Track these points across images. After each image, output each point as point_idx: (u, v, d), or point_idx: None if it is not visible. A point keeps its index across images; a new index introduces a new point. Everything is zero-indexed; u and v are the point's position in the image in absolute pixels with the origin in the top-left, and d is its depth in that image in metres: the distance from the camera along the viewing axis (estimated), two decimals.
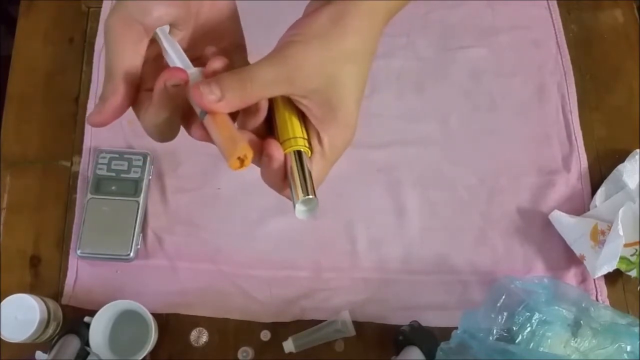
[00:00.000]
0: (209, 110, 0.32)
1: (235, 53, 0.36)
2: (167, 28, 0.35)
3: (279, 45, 0.32)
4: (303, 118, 0.34)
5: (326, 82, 0.32)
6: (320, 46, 0.31)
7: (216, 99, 0.31)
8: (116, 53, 0.33)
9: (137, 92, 0.34)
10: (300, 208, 0.33)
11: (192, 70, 0.33)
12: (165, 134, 0.35)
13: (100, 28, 0.86)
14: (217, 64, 0.33)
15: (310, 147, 0.34)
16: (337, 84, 0.32)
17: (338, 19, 0.31)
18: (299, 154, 0.33)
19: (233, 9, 0.37)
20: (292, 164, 0.33)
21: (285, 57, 0.31)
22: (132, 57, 0.34)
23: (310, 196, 0.32)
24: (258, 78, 0.31)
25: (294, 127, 0.34)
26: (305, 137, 0.34)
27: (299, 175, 0.33)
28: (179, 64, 0.34)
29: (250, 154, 0.31)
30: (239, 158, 0.31)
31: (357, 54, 0.32)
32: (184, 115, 0.35)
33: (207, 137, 0.33)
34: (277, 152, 0.33)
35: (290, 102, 0.34)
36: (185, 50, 0.35)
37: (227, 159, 0.31)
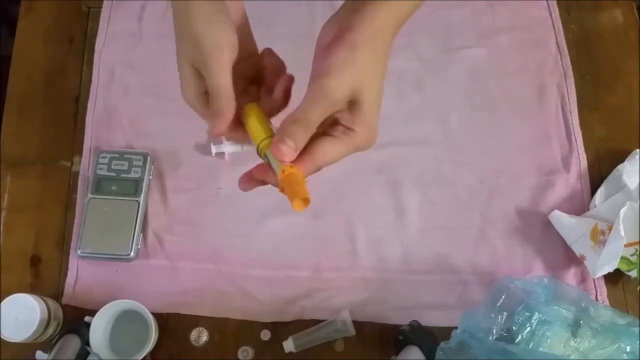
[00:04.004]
0: (289, 160, 0.39)
1: (250, 61, 0.44)
2: None
3: (315, 79, 0.39)
4: (334, 122, 0.41)
5: (355, 95, 0.39)
6: (348, 72, 0.38)
7: (294, 149, 0.38)
8: (222, 72, 0.40)
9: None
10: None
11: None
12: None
13: (100, 28, 0.86)
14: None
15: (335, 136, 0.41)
16: (364, 94, 0.39)
17: (354, 46, 0.39)
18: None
19: (247, 24, 0.45)
20: (271, 159, 0.40)
21: (323, 93, 0.38)
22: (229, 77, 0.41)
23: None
24: (312, 119, 0.39)
25: (264, 130, 0.42)
26: (271, 134, 0.41)
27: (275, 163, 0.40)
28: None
29: (309, 197, 0.38)
30: (302, 199, 0.37)
31: (374, 68, 0.40)
32: None
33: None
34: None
35: (256, 110, 0.43)
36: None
37: (293, 200, 0.37)
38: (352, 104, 0.39)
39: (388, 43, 0.41)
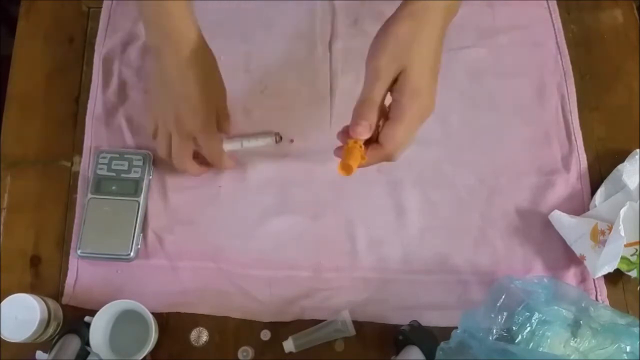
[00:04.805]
0: (365, 137, 0.46)
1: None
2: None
3: (368, 62, 0.44)
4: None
5: (402, 67, 0.43)
6: (391, 48, 0.43)
7: (368, 127, 0.44)
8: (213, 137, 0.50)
9: None
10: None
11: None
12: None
13: (100, 28, 0.86)
14: None
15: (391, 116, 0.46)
16: (410, 63, 0.43)
17: (407, 18, 0.45)
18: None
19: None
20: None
21: (375, 73, 0.43)
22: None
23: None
24: (375, 97, 0.43)
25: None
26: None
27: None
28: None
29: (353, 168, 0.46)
30: (346, 166, 0.46)
31: (419, 37, 0.44)
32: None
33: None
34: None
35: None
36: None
37: (342, 163, 0.45)
38: (401, 74, 0.44)
39: (440, 18, 0.47)
